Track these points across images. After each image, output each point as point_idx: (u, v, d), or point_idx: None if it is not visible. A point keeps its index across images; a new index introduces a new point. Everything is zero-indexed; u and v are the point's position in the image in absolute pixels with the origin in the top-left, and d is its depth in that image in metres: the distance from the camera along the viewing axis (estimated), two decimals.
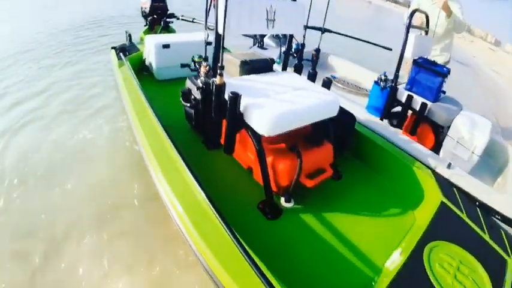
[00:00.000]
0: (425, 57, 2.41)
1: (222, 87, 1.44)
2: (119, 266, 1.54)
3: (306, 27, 2.41)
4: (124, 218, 1.81)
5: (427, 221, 1.43)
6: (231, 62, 1.84)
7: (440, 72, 2.25)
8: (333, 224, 1.48)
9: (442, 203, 1.53)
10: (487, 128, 2.15)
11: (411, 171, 1.74)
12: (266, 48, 3.26)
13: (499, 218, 1.71)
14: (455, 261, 1.25)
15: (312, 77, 1.90)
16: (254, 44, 3.32)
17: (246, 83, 1.65)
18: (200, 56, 1.73)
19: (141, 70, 2.85)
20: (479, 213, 1.56)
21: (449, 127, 2.17)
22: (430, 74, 2.26)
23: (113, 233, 1.70)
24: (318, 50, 2.00)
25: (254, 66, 1.82)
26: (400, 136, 2.15)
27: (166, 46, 2.66)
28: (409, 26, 2.22)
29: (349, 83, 3.20)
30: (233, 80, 1.65)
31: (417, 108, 2.26)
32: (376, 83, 2.44)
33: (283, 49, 2.33)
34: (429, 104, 2.23)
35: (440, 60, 2.79)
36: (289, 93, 1.58)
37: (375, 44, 3.11)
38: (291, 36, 1.97)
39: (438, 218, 1.45)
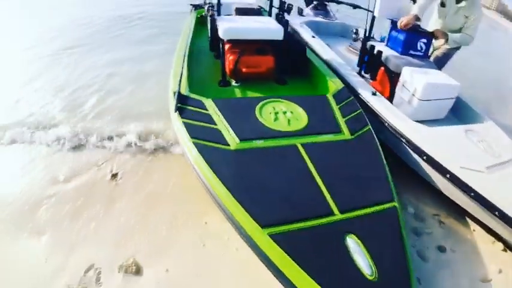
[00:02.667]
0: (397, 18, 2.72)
1: (211, 16, 2.59)
2: None
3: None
4: None
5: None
6: (233, 9, 2.88)
7: (413, 29, 2.59)
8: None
9: (325, 96, 2.12)
10: (448, 84, 2.34)
11: (328, 85, 2.35)
12: (304, 15, 4.22)
13: (407, 143, 2.07)
14: (287, 110, 1.90)
15: (281, 22, 2.70)
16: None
17: (232, 18, 2.67)
18: (210, 3, 2.84)
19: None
20: (357, 114, 2.04)
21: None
22: (399, 31, 2.63)
23: None
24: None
25: (245, 11, 2.79)
26: (351, 72, 2.67)
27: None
28: None
29: None
30: (225, 17, 2.71)
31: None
32: None
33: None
34: (386, 52, 2.61)
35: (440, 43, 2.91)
36: (249, 22, 2.50)
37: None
38: None
39: (308, 97, 2.07)
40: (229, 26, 2.39)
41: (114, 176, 2.14)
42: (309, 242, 1.20)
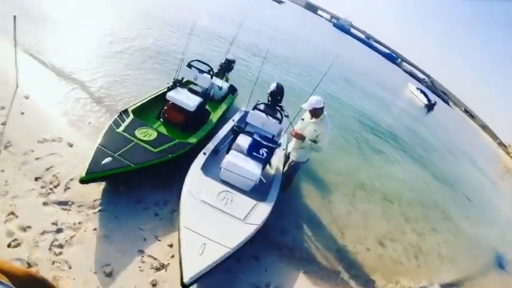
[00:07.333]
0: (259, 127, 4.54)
1: (169, 87, 5.17)
2: None
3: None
4: None
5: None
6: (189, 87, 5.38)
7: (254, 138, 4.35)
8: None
9: (175, 139, 4.18)
10: (249, 170, 3.80)
11: (190, 139, 4.35)
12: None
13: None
14: (151, 134, 3.94)
15: (203, 103, 5.01)
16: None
17: (178, 90, 4.99)
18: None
19: None
20: (175, 152, 3.97)
21: None
22: (252, 139, 4.24)
23: None
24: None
25: (192, 90, 5.12)
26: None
27: None
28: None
29: None
30: (178, 88, 5.08)
31: None
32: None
33: None
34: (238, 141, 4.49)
35: (293, 155, 4.52)
36: (183, 96, 4.86)
37: None
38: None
39: (166, 136, 4.15)
40: (170, 95, 4.71)
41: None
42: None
